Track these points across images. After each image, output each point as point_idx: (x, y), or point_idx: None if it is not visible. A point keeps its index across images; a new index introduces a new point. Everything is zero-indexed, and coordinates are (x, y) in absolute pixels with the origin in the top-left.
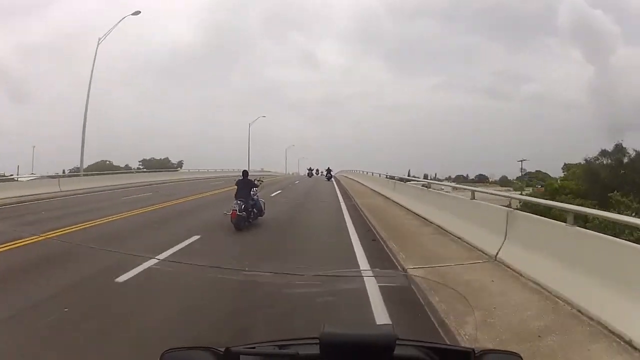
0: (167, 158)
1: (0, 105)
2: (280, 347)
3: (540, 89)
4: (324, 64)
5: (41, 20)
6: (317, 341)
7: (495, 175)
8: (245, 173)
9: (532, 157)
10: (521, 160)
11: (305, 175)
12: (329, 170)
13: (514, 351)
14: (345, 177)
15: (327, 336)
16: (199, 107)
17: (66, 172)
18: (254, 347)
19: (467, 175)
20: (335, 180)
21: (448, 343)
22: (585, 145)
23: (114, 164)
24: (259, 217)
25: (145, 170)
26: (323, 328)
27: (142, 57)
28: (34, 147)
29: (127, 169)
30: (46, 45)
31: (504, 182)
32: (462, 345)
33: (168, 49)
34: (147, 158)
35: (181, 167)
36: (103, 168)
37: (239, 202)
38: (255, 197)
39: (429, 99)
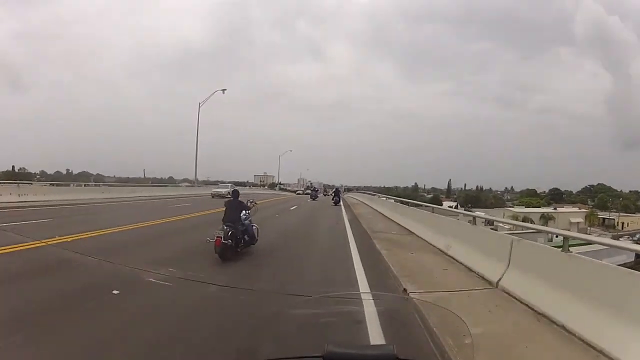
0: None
1: None
2: None
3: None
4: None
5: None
6: (321, 359)
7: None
8: (235, 193)
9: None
10: None
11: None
12: (336, 192)
13: None
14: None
15: (331, 354)
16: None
17: None
18: None
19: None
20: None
21: None
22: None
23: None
24: (251, 245)
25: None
26: (327, 347)
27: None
28: None
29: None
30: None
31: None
32: None
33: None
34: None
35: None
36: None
37: (225, 227)
38: (246, 221)
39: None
